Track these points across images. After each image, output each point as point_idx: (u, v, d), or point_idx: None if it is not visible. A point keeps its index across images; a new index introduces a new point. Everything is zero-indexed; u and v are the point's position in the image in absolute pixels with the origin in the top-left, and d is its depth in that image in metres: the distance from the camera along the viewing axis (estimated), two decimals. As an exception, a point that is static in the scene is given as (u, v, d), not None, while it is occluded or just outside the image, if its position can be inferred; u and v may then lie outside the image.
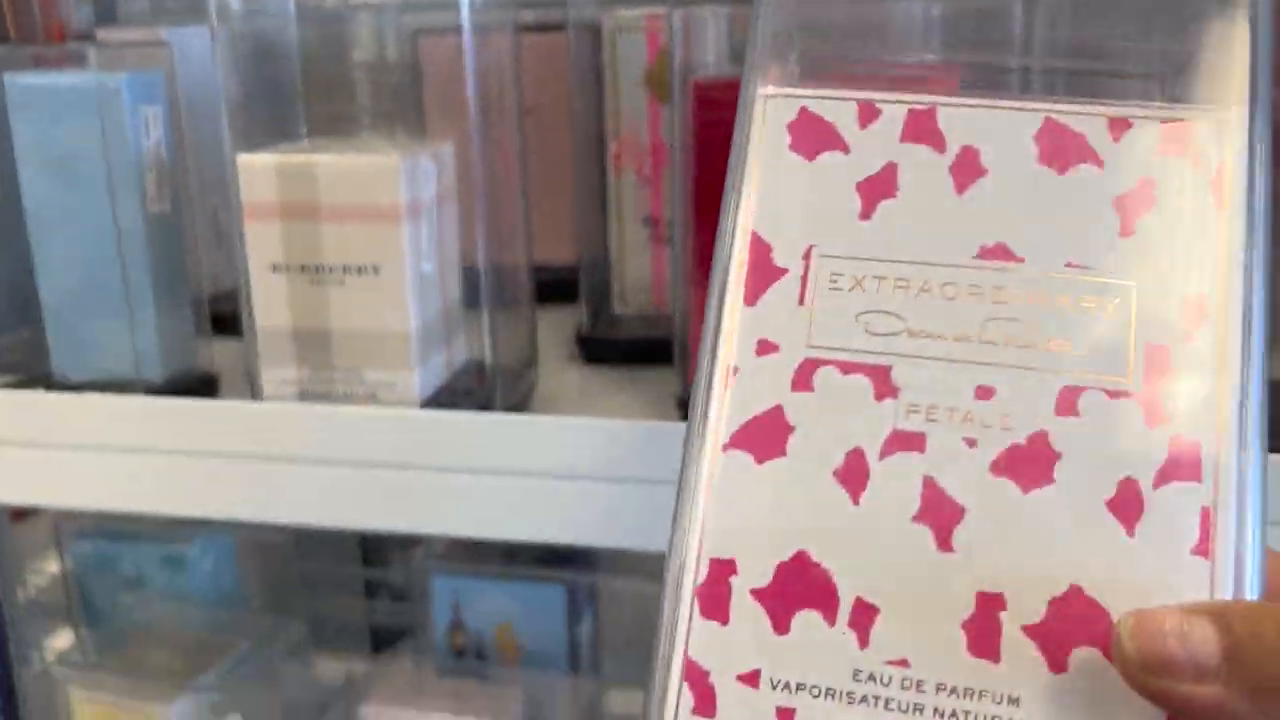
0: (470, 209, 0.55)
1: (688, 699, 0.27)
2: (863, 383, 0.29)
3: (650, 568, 0.75)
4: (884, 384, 0.28)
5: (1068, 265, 0.28)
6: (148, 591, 0.76)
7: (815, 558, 0.28)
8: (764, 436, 0.29)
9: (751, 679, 0.27)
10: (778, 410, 0.29)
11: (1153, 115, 0.29)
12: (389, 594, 0.83)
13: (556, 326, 0.69)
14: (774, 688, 0.27)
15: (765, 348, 0.29)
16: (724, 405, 0.29)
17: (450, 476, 0.51)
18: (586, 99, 0.65)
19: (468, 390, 0.55)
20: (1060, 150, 0.29)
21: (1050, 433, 0.27)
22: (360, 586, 0.86)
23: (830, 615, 0.27)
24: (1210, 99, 0.29)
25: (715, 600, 0.28)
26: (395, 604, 0.81)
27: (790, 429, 0.29)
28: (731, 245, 0.30)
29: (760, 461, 0.29)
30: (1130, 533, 0.26)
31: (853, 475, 0.28)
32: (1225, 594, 0.25)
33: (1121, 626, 0.25)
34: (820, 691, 0.27)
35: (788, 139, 0.31)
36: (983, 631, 0.26)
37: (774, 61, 0.31)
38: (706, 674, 0.28)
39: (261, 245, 0.52)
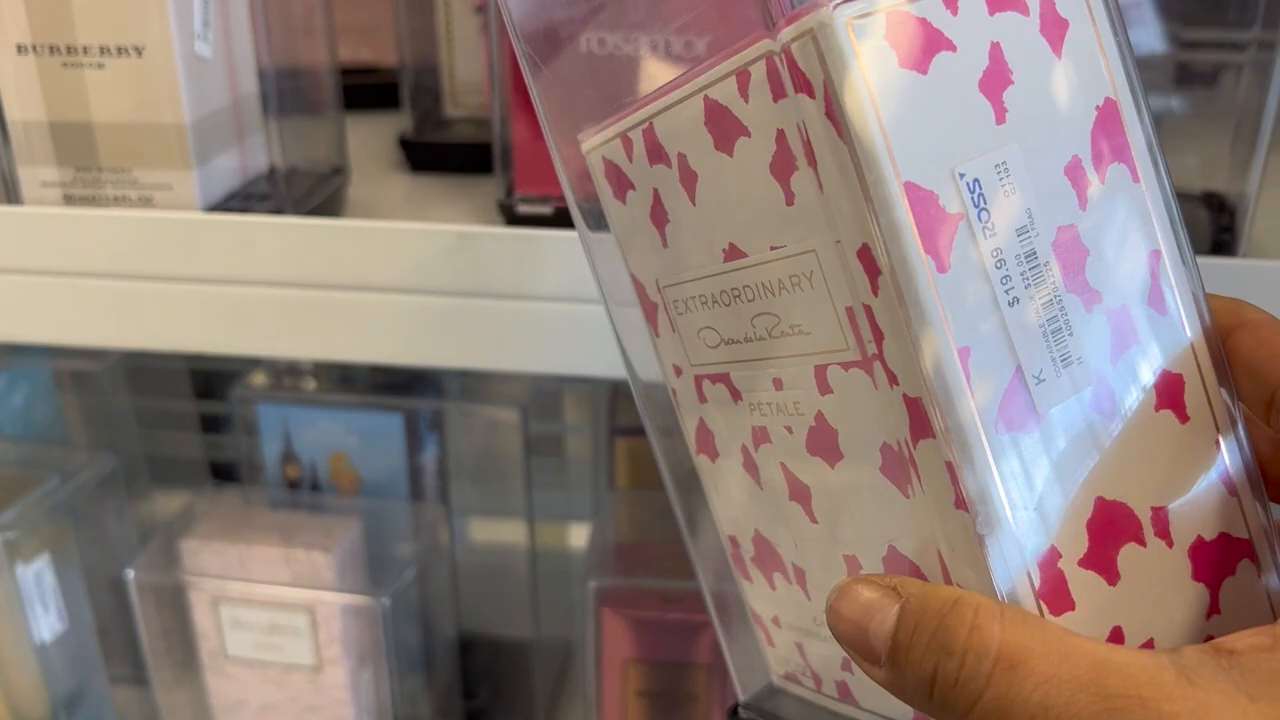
0: (259, -5, 0.48)
1: (763, 636, 0.35)
2: (724, 390, 0.31)
3: (499, 392, 0.71)
4: (731, 389, 0.31)
5: (771, 249, 0.27)
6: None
7: (763, 533, 0.32)
8: (705, 442, 0.33)
9: (776, 622, 0.34)
10: (701, 421, 0.33)
11: (758, 55, 0.25)
12: (225, 427, 0.78)
13: (380, 135, 0.62)
14: (787, 629, 0.33)
15: (676, 370, 0.33)
16: (682, 420, 0.34)
17: (234, 289, 0.46)
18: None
19: (263, 196, 0.49)
20: (722, 130, 0.27)
21: (825, 412, 0.27)
22: (195, 420, 0.81)
23: (785, 575, 0.32)
24: (798, 6, 0.23)
25: (740, 565, 0.35)
26: (231, 437, 0.76)
27: (711, 434, 0.33)
28: (631, 287, 0.33)
29: (713, 460, 0.33)
30: (905, 494, 0.26)
31: (750, 466, 0.31)
32: (980, 545, 0.23)
33: (831, 592, 0.25)
34: (804, 632, 0.32)
35: (609, 188, 0.32)
36: None
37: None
38: (760, 618, 0.35)
39: (2, 22, 0.44)
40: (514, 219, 0.49)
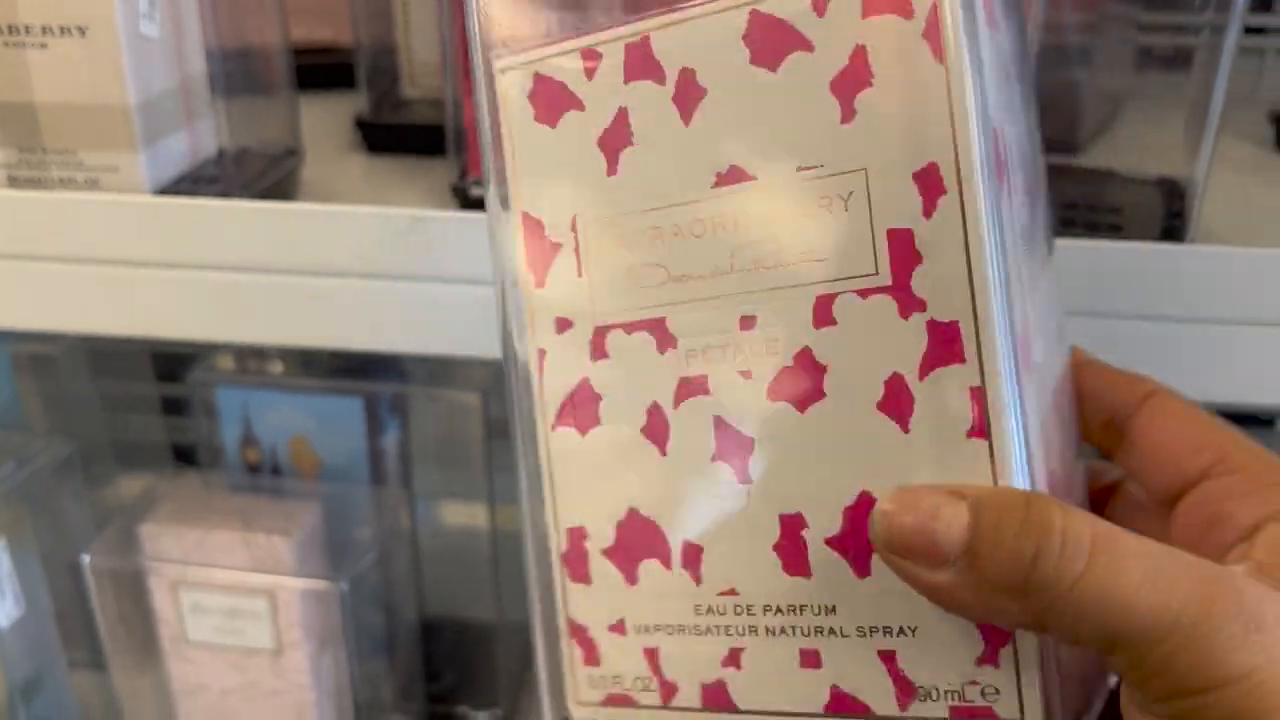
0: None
1: (578, 652, 0.30)
2: (646, 339, 0.29)
3: (460, 376, 0.71)
4: (663, 335, 0.29)
5: (799, 170, 0.27)
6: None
7: (644, 512, 0.29)
8: (580, 410, 0.30)
9: (619, 628, 0.30)
10: (585, 383, 0.30)
11: None
12: (185, 410, 0.77)
13: (339, 115, 0.62)
14: (637, 632, 0.30)
15: (562, 325, 0.30)
16: (543, 387, 0.30)
17: (182, 273, 0.45)
18: None
19: (212, 179, 0.49)
20: (770, 44, 0.27)
21: (813, 348, 0.27)
22: (157, 403, 0.80)
23: (666, 561, 0.29)
24: None
25: (577, 564, 0.30)
26: (191, 420, 0.75)
27: (598, 398, 0.30)
28: (510, 229, 0.30)
29: (583, 433, 0.30)
30: (905, 428, 0.26)
31: (655, 429, 0.29)
32: (1009, 467, 0.25)
33: (880, 503, 0.25)
34: (673, 629, 0.29)
35: (531, 111, 0.30)
36: (791, 551, 0.28)
37: (499, 27, 0.30)
38: (586, 629, 0.30)
39: (-57, 1, 0.44)
40: (468, 202, 0.48)
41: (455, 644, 0.75)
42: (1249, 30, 0.69)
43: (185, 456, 0.81)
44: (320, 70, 0.64)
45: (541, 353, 0.30)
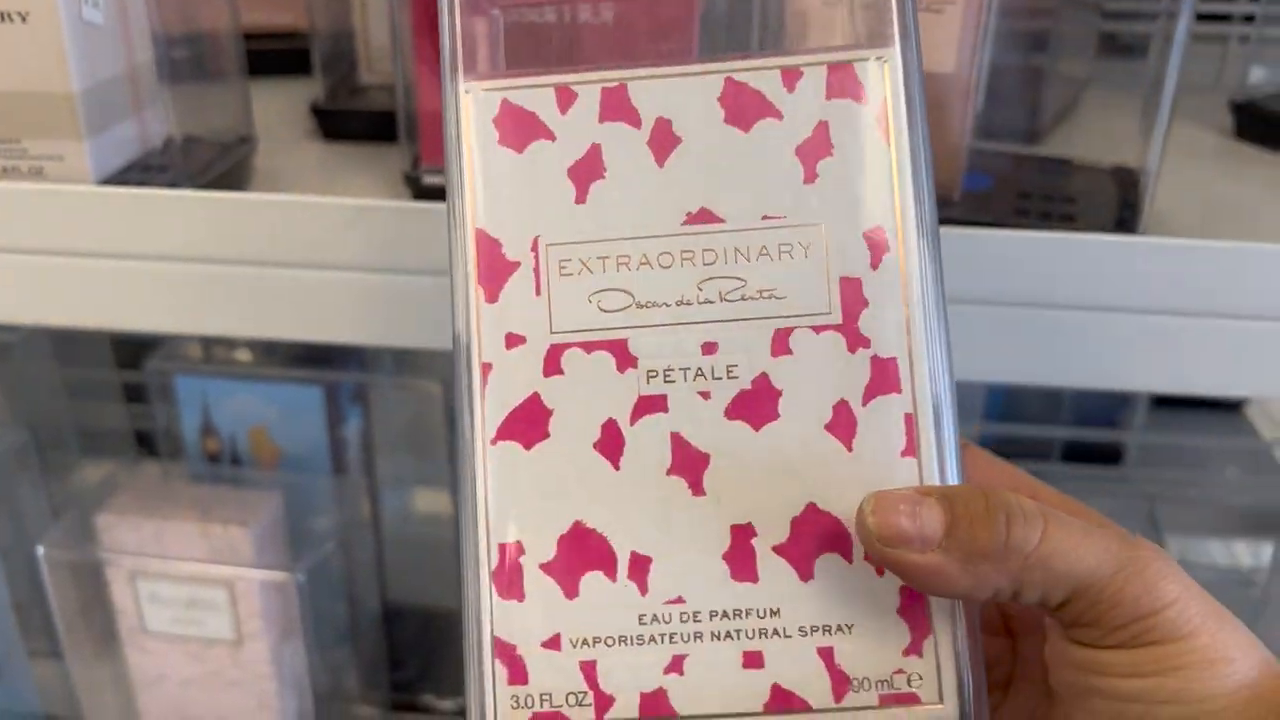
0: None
1: (502, 672, 0.30)
2: (605, 358, 0.31)
3: (422, 364, 0.71)
4: (624, 356, 0.31)
5: (764, 218, 0.31)
6: None
7: (589, 524, 0.30)
8: (527, 424, 0.31)
9: (554, 643, 0.30)
10: (534, 398, 0.31)
11: (820, 61, 0.31)
12: (145, 399, 0.77)
13: (297, 101, 0.61)
14: (574, 646, 0.30)
15: (513, 340, 0.31)
16: (485, 401, 0.31)
17: (128, 263, 0.45)
18: None
19: (161, 168, 0.48)
20: (743, 109, 0.31)
21: (770, 374, 0.30)
22: (119, 391, 0.80)
23: (611, 572, 0.30)
24: (869, 40, 0.31)
25: (510, 581, 0.31)
26: (149, 409, 0.75)
27: (549, 412, 0.31)
28: (464, 244, 0.31)
29: (528, 447, 0.31)
30: (849, 448, 0.30)
31: (610, 444, 0.30)
32: (934, 482, 0.30)
33: (865, 504, 0.29)
34: (614, 640, 0.30)
35: (496, 134, 0.31)
36: (740, 558, 0.30)
37: (468, 52, 0.32)
38: (513, 647, 0.30)
39: (-120, -14, 0.43)
40: (420, 191, 0.48)
41: (419, 633, 0.75)
42: (1212, 18, 0.69)
43: (146, 445, 0.80)
44: (277, 56, 0.63)
45: (487, 366, 0.31)
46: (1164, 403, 0.82)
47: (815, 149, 0.31)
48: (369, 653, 0.71)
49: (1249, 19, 0.66)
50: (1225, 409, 0.88)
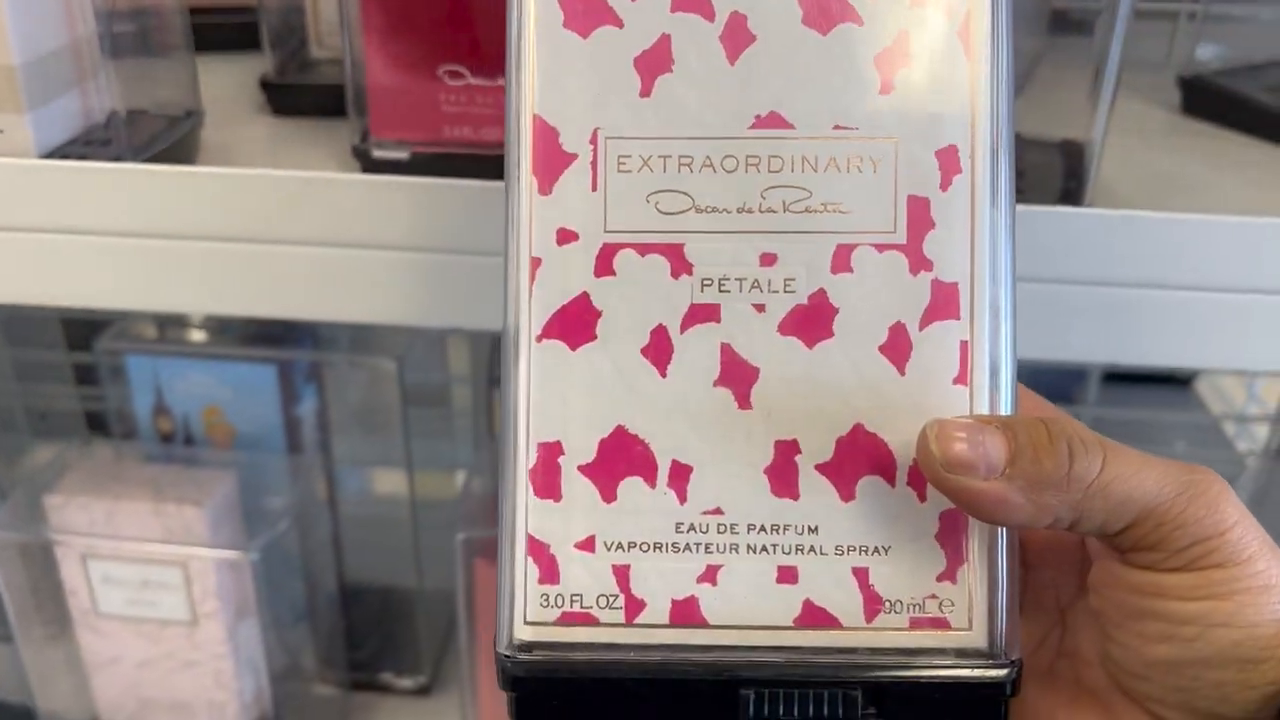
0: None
1: (534, 570, 0.30)
2: (660, 262, 0.30)
3: (376, 342, 0.70)
4: (679, 261, 0.30)
5: (835, 128, 0.30)
6: None
7: (632, 430, 0.30)
8: (574, 324, 0.30)
9: (588, 545, 0.30)
10: (584, 297, 0.30)
11: None
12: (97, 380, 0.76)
13: (247, 76, 0.60)
14: (608, 549, 0.30)
15: (565, 236, 0.30)
16: (532, 297, 0.30)
17: (71, 238, 0.44)
18: None
19: (105, 142, 0.47)
20: (822, 10, 0.30)
21: (828, 290, 0.30)
22: (70, 372, 0.79)
23: (650, 479, 0.30)
24: None
25: (547, 480, 0.30)
26: (102, 389, 0.74)
27: (598, 314, 0.30)
28: (519, 131, 0.30)
29: (574, 348, 0.30)
30: (901, 371, 0.30)
31: (658, 350, 0.30)
32: (984, 412, 0.29)
33: (928, 431, 0.29)
34: (649, 546, 0.30)
35: (561, 16, 0.30)
36: (782, 474, 0.30)
37: None
38: (546, 546, 0.30)
39: None
40: (370, 164, 0.47)
41: (376, 612, 0.74)
42: (1161, -6, 0.69)
43: (99, 426, 0.79)
44: (227, 31, 0.62)
45: (536, 261, 0.30)
46: (1114, 377, 0.83)
47: (894, 59, 0.29)
48: (326, 632, 0.71)
49: (1197, -4, 0.67)
50: (1175, 384, 0.90)
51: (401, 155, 0.47)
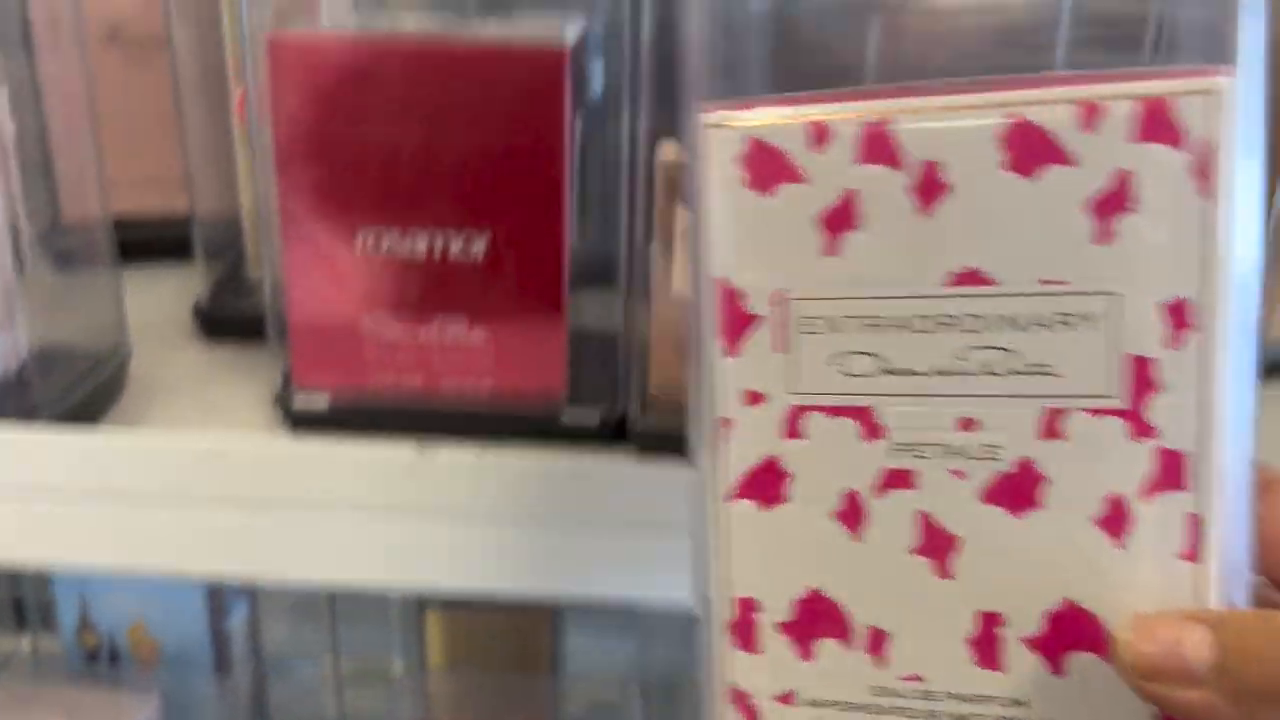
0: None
1: (737, 717, 0.31)
2: (849, 425, 0.29)
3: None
4: (869, 425, 0.29)
5: (1042, 282, 0.27)
6: None
7: (827, 594, 0.30)
8: (764, 485, 0.30)
9: (787, 699, 0.30)
10: (773, 460, 0.30)
11: (1127, 94, 0.26)
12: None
13: (180, 292, 0.59)
14: (807, 705, 0.30)
15: (753, 398, 0.30)
16: (723, 457, 0.30)
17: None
18: (191, 29, 0.55)
19: (28, 384, 0.46)
20: (1028, 153, 0.27)
21: (1036, 459, 0.28)
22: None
23: (847, 641, 0.30)
24: (1196, 64, 0.26)
25: (746, 634, 0.30)
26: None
27: (787, 476, 0.30)
28: (704, 294, 0.29)
29: (765, 508, 0.30)
30: (1119, 545, 0.27)
31: (851, 515, 0.29)
32: (1212, 595, 0.27)
33: (1120, 632, 0.26)
34: (845, 705, 0.30)
35: (742, 176, 0.29)
36: (986, 646, 0.28)
37: (711, 78, 0.29)
38: (748, 695, 0.31)
39: None
40: (292, 417, 0.46)
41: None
42: None
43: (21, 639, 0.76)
44: (163, 242, 0.62)
45: (726, 422, 0.30)
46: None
47: (1109, 202, 0.26)
48: None
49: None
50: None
51: (320, 406, 0.45)
